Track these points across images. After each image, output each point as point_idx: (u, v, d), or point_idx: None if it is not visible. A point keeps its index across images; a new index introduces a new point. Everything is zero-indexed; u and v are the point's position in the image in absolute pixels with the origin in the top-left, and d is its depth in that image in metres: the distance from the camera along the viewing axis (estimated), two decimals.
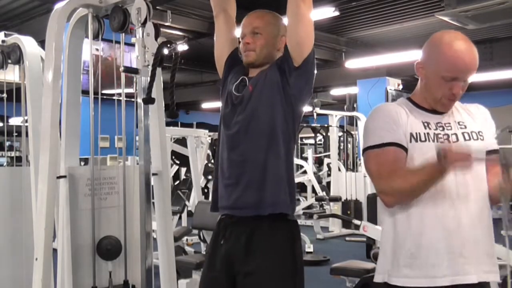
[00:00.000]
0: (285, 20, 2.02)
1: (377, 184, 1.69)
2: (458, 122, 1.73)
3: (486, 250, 1.67)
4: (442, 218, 1.62)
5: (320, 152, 12.00)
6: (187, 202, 7.12)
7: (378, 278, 1.71)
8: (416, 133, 1.66)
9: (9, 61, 3.16)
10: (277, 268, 1.86)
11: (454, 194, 1.63)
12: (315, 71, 1.98)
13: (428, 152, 1.61)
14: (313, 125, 9.83)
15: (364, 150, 1.72)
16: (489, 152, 1.71)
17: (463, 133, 1.70)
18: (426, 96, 1.73)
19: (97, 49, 2.48)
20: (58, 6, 2.29)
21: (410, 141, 1.66)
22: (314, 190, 9.25)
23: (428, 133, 1.67)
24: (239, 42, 2.07)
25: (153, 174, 2.37)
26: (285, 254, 1.89)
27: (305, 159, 10.02)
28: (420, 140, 1.65)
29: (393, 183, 1.63)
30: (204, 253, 4.97)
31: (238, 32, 2.18)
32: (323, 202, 7.93)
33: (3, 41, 3.14)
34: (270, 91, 1.93)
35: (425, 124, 1.69)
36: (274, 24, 2.04)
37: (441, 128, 1.69)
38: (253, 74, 2.03)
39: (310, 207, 8.72)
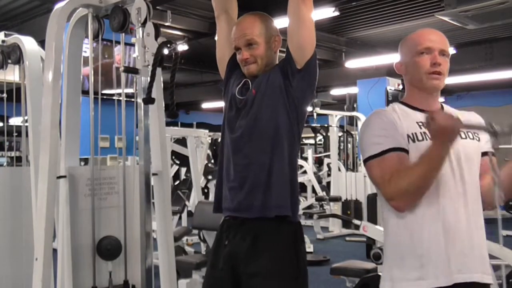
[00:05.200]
0: (279, 22, 2.00)
1: (384, 190, 1.65)
2: None
3: (482, 250, 1.67)
4: (442, 216, 1.61)
5: (320, 152, 12.00)
6: (187, 202, 7.12)
7: (385, 285, 1.69)
8: (413, 134, 1.65)
9: (9, 61, 3.16)
10: (282, 270, 1.87)
11: (453, 192, 1.62)
12: (318, 72, 1.97)
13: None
14: (313, 125, 9.84)
15: (365, 161, 1.69)
16: (482, 154, 1.72)
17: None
18: (415, 86, 1.74)
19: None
20: (58, 6, 2.29)
21: (408, 142, 1.64)
22: (314, 190, 9.25)
23: (424, 132, 1.65)
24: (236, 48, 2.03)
25: (153, 174, 2.37)
26: (289, 255, 1.90)
27: (305, 159, 10.01)
28: (418, 140, 1.64)
29: (398, 185, 1.60)
30: (204, 253, 4.96)
31: None
32: (323, 202, 7.94)
33: (3, 41, 3.14)
34: (272, 94, 1.93)
35: (420, 124, 1.67)
36: (266, 28, 2.00)
37: None
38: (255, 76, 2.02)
39: (310, 207, 8.72)
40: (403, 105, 1.76)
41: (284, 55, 1.98)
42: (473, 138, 1.71)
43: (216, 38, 2.20)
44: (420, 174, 1.57)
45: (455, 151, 1.64)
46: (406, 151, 1.64)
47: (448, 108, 1.80)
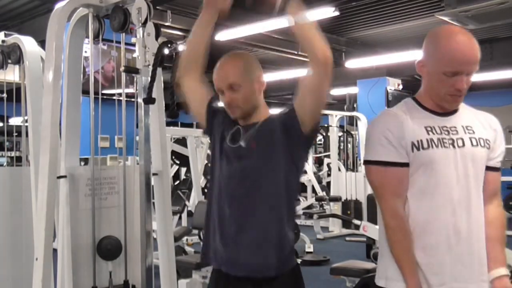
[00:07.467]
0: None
1: (379, 203, 1.67)
2: (466, 127, 1.67)
3: (481, 257, 1.65)
4: (443, 221, 1.60)
5: (320, 152, 12.00)
6: (187, 202, 7.13)
7: (379, 282, 1.69)
8: (418, 141, 1.61)
9: (9, 61, 3.16)
10: None
11: (456, 202, 1.60)
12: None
13: (432, 159, 1.59)
14: None
15: (366, 161, 1.67)
16: (488, 168, 1.68)
17: (470, 138, 1.64)
18: (431, 94, 1.68)
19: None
20: (58, 6, 2.30)
21: (412, 151, 1.61)
22: (314, 190, 9.25)
23: (431, 139, 1.61)
24: (215, 89, 1.91)
25: (153, 174, 2.37)
26: None
27: None
28: (423, 148, 1.60)
29: (388, 222, 1.64)
30: None
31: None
32: (323, 202, 7.94)
33: (3, 41, 3.14)
34: (275, 152, 1.82)
35: (428, 129, 1.63)
36: (249, 70, 1.87)
37: (446, 132, 1.63)
38: (245, 122, 1.90)
39: (310, 207, 8.72)
40: (416, 103, 1.71)
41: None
42: (484, 146, 1.66)
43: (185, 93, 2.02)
44: (396, 255, 1.62)
45: (462, 157, 1.61)
46: (407, 164, 1.62)
47: (465, 107, 1.74)
